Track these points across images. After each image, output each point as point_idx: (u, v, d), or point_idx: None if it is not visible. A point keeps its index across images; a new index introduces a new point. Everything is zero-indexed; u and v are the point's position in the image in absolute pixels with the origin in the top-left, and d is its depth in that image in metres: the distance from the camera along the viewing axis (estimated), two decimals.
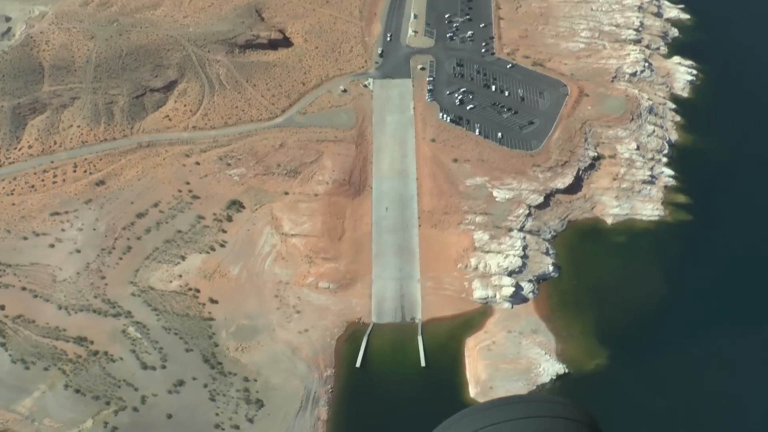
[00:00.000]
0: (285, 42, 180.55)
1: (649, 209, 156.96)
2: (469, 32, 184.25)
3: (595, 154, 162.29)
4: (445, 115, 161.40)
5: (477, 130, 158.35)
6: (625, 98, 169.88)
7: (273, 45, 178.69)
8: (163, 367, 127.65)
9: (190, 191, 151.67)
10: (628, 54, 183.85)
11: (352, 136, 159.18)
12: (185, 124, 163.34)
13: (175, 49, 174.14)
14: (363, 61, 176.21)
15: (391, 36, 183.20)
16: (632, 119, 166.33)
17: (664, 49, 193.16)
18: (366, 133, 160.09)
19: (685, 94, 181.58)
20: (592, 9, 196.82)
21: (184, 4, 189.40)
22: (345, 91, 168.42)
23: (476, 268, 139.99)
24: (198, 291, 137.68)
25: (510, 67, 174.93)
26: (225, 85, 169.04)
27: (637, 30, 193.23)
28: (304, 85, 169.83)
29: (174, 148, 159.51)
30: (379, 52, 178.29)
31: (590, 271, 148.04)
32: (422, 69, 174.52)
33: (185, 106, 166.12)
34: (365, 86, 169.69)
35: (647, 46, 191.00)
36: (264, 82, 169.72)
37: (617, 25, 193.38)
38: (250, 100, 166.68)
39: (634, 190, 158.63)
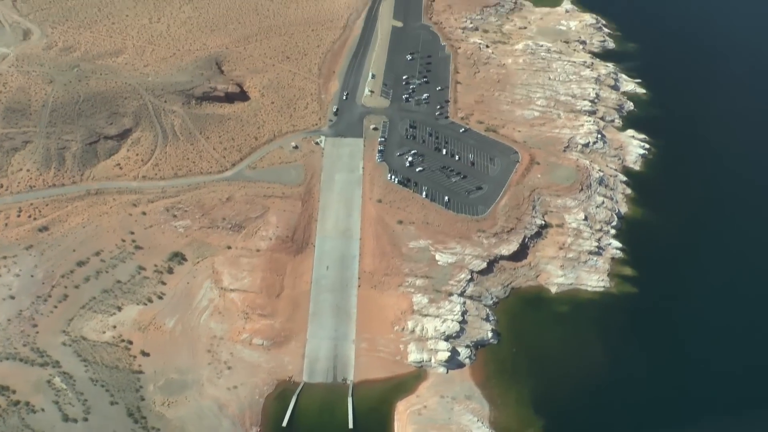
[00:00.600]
0: (242, 96, 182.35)
1: (595, 280, 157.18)
2: (425, 94, 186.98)
3: (543, 222, 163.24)
4: (393, 176, 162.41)
5: (424, 193, 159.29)
6: (575, 168, 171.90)
7: (230, 98, 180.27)
8: (85, 419, 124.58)
9: (133, 241, 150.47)
10: (582, 125, 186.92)
11: (299, 193, 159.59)
12: (135, 173, 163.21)
13: (132, 97, 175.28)
14: (317, 119, 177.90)
15: (347, 94, 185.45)
16: (582, 189, 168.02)
17: (618, 122, 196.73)
18: (314, 190, 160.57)
19: (637, 167, 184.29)
20: (549, 78, 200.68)
21: (146, 52, 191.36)
22: (296, 147, 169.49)
23: (413, 331, 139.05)
24: (131, 343, 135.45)
25: (463, 132, 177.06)
26: (178, 136, 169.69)
27: (592, 101, 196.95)
28: (257, 140, 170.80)
29: (122, 197, 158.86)
30: (334, 110, 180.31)
31: (531, 339, 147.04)
32: (375, 129, 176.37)
33: (137, 155, 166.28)
34: (317, 143, 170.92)
35: (602, 118, 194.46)
36: (217, 135, 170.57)
37: (573, 96, 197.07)
38: (202, 152, 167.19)
39: (580, 260, 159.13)
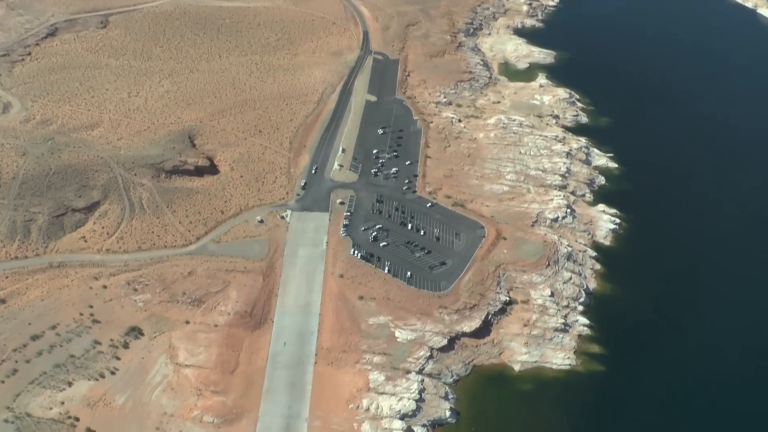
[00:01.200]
0: (212, 169, 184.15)
1: (560, 358, 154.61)
2: (394, 169, 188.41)
3: (507, 298, 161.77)
4: (356, 251, 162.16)
5: (387, 268, 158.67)
6: (542, 244, 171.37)
7: (199, 172, 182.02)
8: None
9: (91, 315, 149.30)
10: (552, 199, 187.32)
11: (261, 267, 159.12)
12: (100, 246, 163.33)
13: (102, 170, 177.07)
14: (285, 193, 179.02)
15: (316, 169, 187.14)
16: (548, 265, 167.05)
17: (589, 197, 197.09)
18: (276, 265, 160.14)
19: (607, 242, 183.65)
20: (520, 152, 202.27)
21: (121, 126, 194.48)
22: (261, 221, 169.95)
23: (368, 409, 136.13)
24: (77, 419, 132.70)
25: (429, 206, 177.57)
26: (145, 209, 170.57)
27: (563, 176, 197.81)
28: (223, 213, 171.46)
29: (84, 270, 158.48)
30: (302, 184, 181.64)
31: (492, 418, 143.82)
32: (341, 203, 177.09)
33: (103, 228, 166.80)
34: (282, 218, 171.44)
35: (572, 192, 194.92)
36: (184, 209, 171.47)
37: (544, 170, 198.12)
38: (168, 225, 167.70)
39: (545, 337, 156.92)
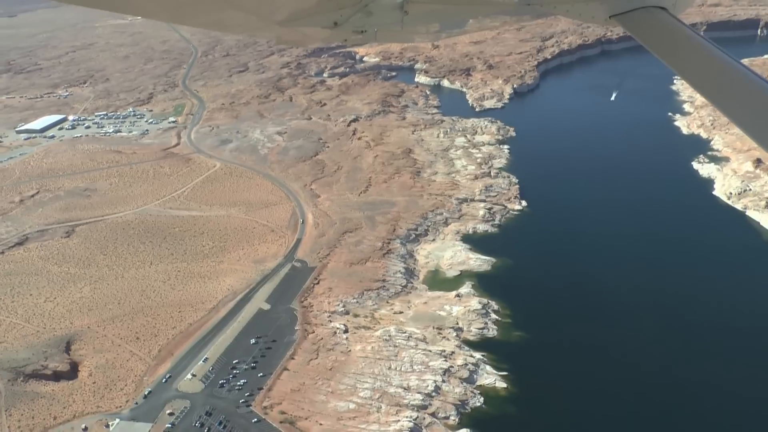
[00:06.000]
0: (71, 375, 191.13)
1: None
2: (242, 381, 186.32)
3: None
4: None
5: None
6: None
7: (57, 377, 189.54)
8: None
9: None
10: (398, 420, 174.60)
11: None
12: None
13: None
14: (125, 401, 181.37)
15: (169, 377, 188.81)
16: None
17: (454, 419, 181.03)
18: None
19: None
20: (389, 368, 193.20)
21: (14, 329, 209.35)
22: (86, 429, 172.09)
23: None
24: None
25: (255, 422, 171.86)
26: None
27: (428, 395, 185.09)
28: (55, 419, 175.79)
29: None
30: (146, 393, 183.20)
31: None
32: (170, 414, 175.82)
33: None
34: (106, 426, 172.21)
35: (433, 414, 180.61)
36: (21, 412, 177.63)
37: (406, 388, 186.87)
38: None
39: None
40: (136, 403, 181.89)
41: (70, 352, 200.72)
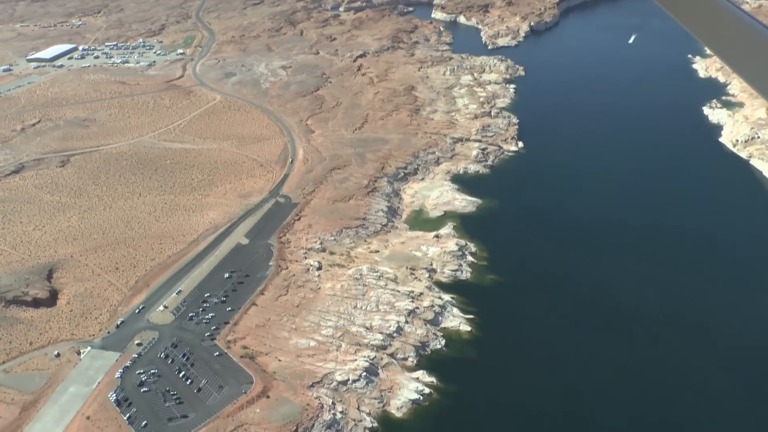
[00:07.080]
0: (50, 302, 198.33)
1: None
2: (211, 314, 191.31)
3: None
4: (114, 394, 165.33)
5: (128, 414, 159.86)
6: (303, 407, 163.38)
7: (36, 304, 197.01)
8: None
9: None
10: (354, 360, 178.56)
11: (26, 401, 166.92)
12: None
13: None
14: (98, 330, 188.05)
15: (142, 308, 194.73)
16: (295, 431, 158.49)
17: (412, 361, 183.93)
18: (40, 400, 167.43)
19: (399, 414, 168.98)
20: (354, 307, 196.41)
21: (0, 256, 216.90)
22: (58, 355, 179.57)
23: None
24: None
25: (217, 356, 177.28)
26: None
27: (389, 335, 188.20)
28: (31, 345, 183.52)
29: None
30: (118, 322, 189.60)
31: None
32: (139, 344, 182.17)
33: None
34: (77, 354, 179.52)
35: (391, 354, 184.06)
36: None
37: (368, 327, 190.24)
38: None
39: None
40: (108, 332, 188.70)
41: (51, 280, 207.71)
